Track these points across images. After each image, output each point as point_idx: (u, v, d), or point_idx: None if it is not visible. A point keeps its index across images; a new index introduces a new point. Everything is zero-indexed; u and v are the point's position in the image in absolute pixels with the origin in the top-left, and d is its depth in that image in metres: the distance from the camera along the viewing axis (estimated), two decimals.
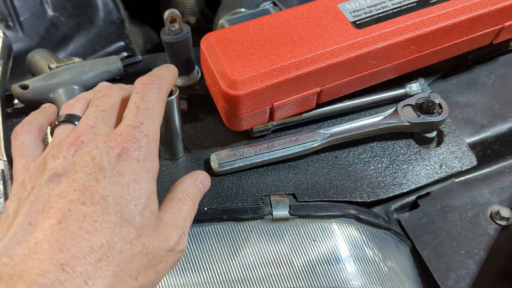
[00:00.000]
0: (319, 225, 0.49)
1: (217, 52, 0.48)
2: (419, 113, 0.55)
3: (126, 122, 0.36)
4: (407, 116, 0.55)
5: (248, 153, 0.52)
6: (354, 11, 0.51)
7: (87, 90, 0.55)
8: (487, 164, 0.61)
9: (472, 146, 0.60)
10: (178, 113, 0.48)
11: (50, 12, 1.01)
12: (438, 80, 0.65)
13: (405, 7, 0.52)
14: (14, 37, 0.95)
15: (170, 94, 0.46)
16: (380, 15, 0.51)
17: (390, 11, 0.52)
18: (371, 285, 0.48)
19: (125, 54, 1.08)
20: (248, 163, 0.51)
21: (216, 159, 0.51)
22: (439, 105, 0.55)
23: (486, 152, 0.61)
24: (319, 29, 0.50)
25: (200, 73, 0.58)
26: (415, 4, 0.52)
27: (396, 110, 0.55)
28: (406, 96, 0.58)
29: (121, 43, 1.06)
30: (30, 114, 0.43)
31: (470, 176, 0.60)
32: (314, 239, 0.48)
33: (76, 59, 0.68)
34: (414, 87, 0.58)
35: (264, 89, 0.47)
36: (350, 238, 0.49)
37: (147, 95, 0.38)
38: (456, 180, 0.60)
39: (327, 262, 0.47)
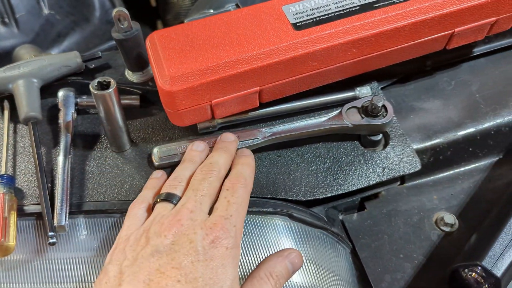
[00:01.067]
0: (251, 220, 0.50)
1: (158, 49, 0.50)
2: (363, 116, 0.55)
3: (218, 213, 0.42)
4: (352, 118, 0.55)
5: None
6: (296, 13, 0.53)
7: (46, 83, 0.59)
8: (439, 170, 0.61)
9: (423, 151, 0.60)
10: (118, 106, 0.50)
11: (46, 10, 1.05)
12: (396, 84, 0.65)
13: (347, 10, 0.53)
14: (9, 33, 1.00)
15: (108, 87, 0.49)
16: (321, 17, 0.52)
17: (333, 14, 0.52)
18: (299, 283, 0.49)
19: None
20: None
21: (158, 152, 0.53)
22: (385, 108, 0.55)
23: (438, 158, 0.61)
24: (258, 30, 0.51)
25: None
26: (358, 7, 0.53)
27: (340, 112, 0.56)
28: (355, 98, 0.58)
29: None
30: (146, 187, 0.50)
31: (420, 181, 0.60)
32: (244, 233, 0.49)
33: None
34: (364, 90, 0.59)
35: (199, 86, 0.48)
36: (282, 235, 0.50)
37: (236, 192, 0.44)
38: (407, 184, 0.60)
39: (255, 257, 0.49)
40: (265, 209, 0.50)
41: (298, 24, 0.52)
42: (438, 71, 0.66)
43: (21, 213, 0.49)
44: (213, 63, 0.48)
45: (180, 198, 0.45)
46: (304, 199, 0.52)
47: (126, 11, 0.52)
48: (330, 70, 0.54)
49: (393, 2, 0.53)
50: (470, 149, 0.61)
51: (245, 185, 0.46)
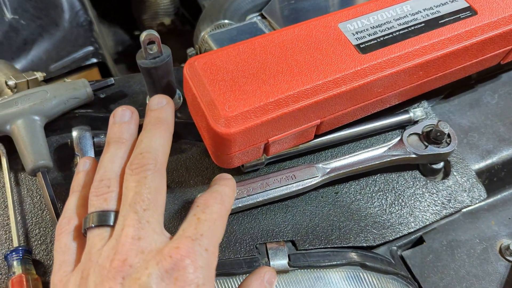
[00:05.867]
0: (322, 275, 0.44)
1: (203, 81, 0.42)
2: (426, 143, 0.50)
3: (184, 233, 0.32)
4: (413, 146, 0.50)
5: (239, 194, 0.45)
6: (357, 33, 0.46)
7: (50, 120, 0.48)
8: (493, 192, 0.57)
9: (479, 174, 0.55)
10: None
11: (8, 15, 0.92)
12: (439, 100, 0.60)
13: (412, 28, 0.46)
14: None
15: None
16: (386, 37, 0.46)
17: (397, 33, 0.46)
18: None
19: (94, 60, 1.00)
20: (240, 205, 0.45)
21: None
22: (447, 134, 0.50)
23: (492, 180, 0.57)
24: (319, 54, 0.44)
25: (182, 98, 0.51)
26: (423, 24, 0.47)
27: (401, 139, 0.50)
28: (409, 121, 0.53)
29: (90, 48, 0.98)
30: (72, 189, 0.39)
31: (476, 206, 0.56)
32: None
33: (38, 74, 0.60)
34: (418, 112, 0.53)
35: (259, 125, 0.40)
36: None
37: (209, 207, 0.34)
38: (462, 210, 0.56)
39: None
40: (337, 262, 0.44)
41: (362, 46, 0.45)
42: (479, 83, 0.62)
43: None
44: (274, 97, 0.41)
45: (116, 213, 0.34)
46: (375, 244, 0.46)
47: (156, 34, 0.43)
48: (392, 95, 0.48)
49: (459, 17, 0.47)
50: None
51: (221, 202, 0.35)
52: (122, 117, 0.40)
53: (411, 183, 0.51)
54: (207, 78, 0.42)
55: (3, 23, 0.89)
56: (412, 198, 0.50)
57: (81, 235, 0.35)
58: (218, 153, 0.43)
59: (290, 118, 0.42)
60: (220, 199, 0.35)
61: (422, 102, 0.55)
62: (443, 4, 0.49)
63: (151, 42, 0.44)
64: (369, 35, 0.46)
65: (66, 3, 0.99)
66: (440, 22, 0.47)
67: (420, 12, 0.48)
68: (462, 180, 0.51)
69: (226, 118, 0.39)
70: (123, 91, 0.52)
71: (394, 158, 0.49)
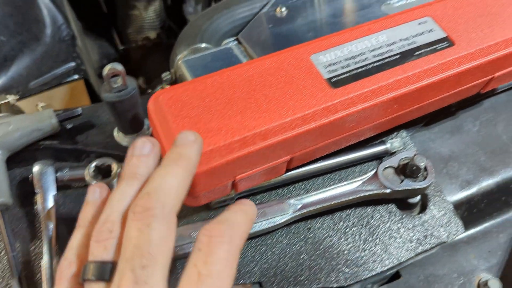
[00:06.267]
0: None
1: (167, 118, 0.40)
2: (402, 177, 0.48)
3: None
4: (389, 180, 0.48)
5: None
6: (329, 65, 0.44)
7: (12, 154, 0.46)
8: (473, 224, 0.56)
9: (458, 205, 0.54)
10: None
11: None
12: (419, 128, 0.59)
13: (387, 60, 0.45)
14: None
15: (108, 173, 0.38)
16: (359, 70, 0.44)
17: (371, 65, 0.45)
18: None
19: (76, 77, 0.98)
20: None
21: None
22: (424, 167, 0.49)
23: (472, 211, 0.55)
24: (289, 89, 0.42)
25: (151, 129, 0.50)
26: (398, 56, 0.45)
27: (376, 173, 0.49)
28: (386, 153, 0.51)
29: (72, 64, 0.96)
30: (78, 224, 0.35)
31: (455, 238, 0.55)
32: None
33: (11, 97, 0.58)
34: (395, 143, 0.52)
35: (225, 164, 0.39)
36: None
37: (213, 254, 0.29)
38: None
39: None
40: None
41: (333, 80, 0.43)
42: (460, 110, 0.61)
43: None
44: (240, 135, 0.39)
45: (115, 264, 0.30)
46: (346, 284, 0.45)
47: (120, 67, 0.41)
48: (366, 129, 0.46)
49: (436, 49, 0.46)
50: (503, 198, 0.57)
51: (230, 239, 0.30)
52: (142, 149, 0.35)
53: (386, 217, 0.49)
54: (171, 115, 0.40)
55: None
56: (387, 234, 0.48)
57: (79, 284, 0.32)
58: None
59: (257, 156, 0.40)
60: (228, 235, 0.30)
61: (400, 131, 0.54)
62: (420, 34, 0.47)
63: (115, 75, 0.42)
64: (342, 67, 0.44)
65: (48, 17, 0.97)
66: (416, 53, 0.46)
67: (396, 42, 0.46)
68: (439, 214, 0.50)
69: None
70: (90, 122, 0.51)
71: (368, 193, 0.47)
